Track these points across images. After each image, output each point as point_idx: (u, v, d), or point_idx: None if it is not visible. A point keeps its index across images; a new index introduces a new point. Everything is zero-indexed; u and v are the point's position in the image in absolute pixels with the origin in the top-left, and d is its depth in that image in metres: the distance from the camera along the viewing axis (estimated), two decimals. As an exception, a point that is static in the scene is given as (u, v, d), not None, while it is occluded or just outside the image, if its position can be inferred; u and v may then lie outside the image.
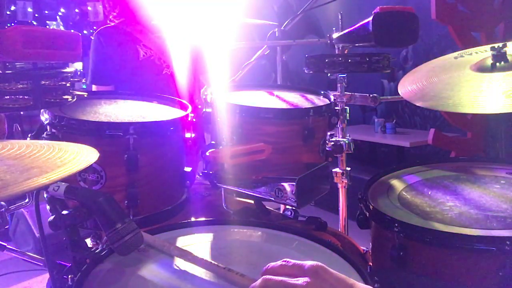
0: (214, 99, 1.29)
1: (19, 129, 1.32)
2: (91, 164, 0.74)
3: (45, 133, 1.11)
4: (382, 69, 1.44)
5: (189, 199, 1.28)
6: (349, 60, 1.45)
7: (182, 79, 2.11)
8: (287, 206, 1.43)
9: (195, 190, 1.48)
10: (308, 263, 0.68)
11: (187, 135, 1.24)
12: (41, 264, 1.18)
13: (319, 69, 1.49)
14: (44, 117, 1.13)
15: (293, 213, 1.39)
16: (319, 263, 0.68)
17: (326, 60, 1.47)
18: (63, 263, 0.90)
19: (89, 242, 1.24)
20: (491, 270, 0.87)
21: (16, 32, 0.95)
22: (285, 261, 0.70)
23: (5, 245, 1.21)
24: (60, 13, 7.09)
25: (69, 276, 0.86)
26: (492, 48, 1.13)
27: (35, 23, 6.63)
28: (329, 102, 1.33)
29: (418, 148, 4.26)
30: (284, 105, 1.33)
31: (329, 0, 2.04)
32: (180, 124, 1.21)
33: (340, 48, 1.60)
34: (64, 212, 0.81)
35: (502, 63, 1.11)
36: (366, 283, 0.78)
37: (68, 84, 1.09)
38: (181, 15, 2.00)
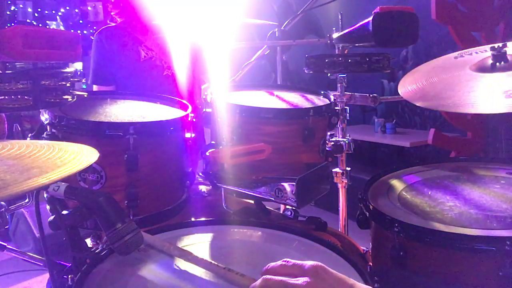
0: (214, 99, 1.29)
1: (19, 129, 1.32)
2: (91, 164, 0.74)
3: (45, 133, 1.11)
4: (382, 69, 1.44)
5: (189, 199, 1.28)
6: (349, 60, 1.44)
7: (183, 80, 2.11)
8: (287, 206, 1.43)
9: (195, 190, 1.48)
10: (308, 263, 0.68)
11: (187, 135, 1.24)
12: (41, 264, 1.18)
13: (319, 69, 1.49)
14: (44, 117, 1.13)
15: (293, 213, 1.39)
16: (319, 263, 0.68)
17: (326, 60, 1.47)
18: (63, 263, 0.90)
19: (89, 242, 1.24)
20: (491, 270, 0.87)
21: (16, 32, 0.95)
22: (285, 261, 0.70)
23: (5, 245, 1.21)
24: (60, 13, 7.09)
25: (69, 276, 0.86)
26: (492, 48, 1.13)
27: (35, 23, 6.63)
28: (329, 102, 1.33)
29: (418, 148, 4.26)
30: (284, 105, 1.33)
31: (329, 0, 2.04)
32: (180, 124, 1.21)
33: (340, 48, 1.60)
34: (64, 212, 0.81)
35: (502, 63, 1.11)
36: (366, 283, 0.78)
37: (68, 84, 1.09)
38: (181, 15, 2.00)
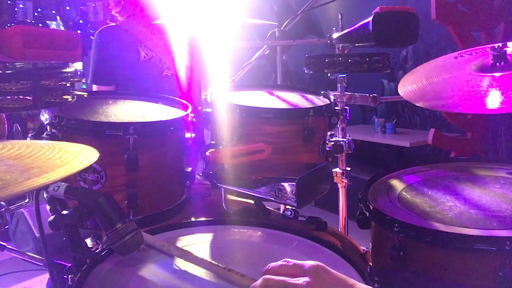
0: (214, 99, 1.29)
1: (19, 129, 1.32)
2: (91, 164, 0.74)
3: (45, 133, 1.11)
4: (382, 69, 1.44)
5: (189, 199, 1.28)
6: (349, 60, 1.45)
7: (183, 80, 2.11)
8: (287, 206, 1.43)
9: (195, 190, 1.48)
10: (309, 263, 0.68)
11: (187, 135, 1.24)
12: (41, 264, 1.18)
13: (319, 69, 1.49)
14: (44, 117, 1.13)
15: (293, 213, 1.39)
16: (320, 263, 0.68)
17: (326, 60, 1.47)
18: (63, 263, 0.90)
19: (89, 242, 1.24)
20: (491, 270, 0.87)
21: (16, 32, 0.95)
22: (285, 261, 0.70)
23: (5, 245, 1.21)
24: (60, 13, 7.09)
25: (69, 276, 0.86)
26: (492, 48, 1.13)
27: (35, 23, 6.63)
28: (329, 102, 1.33)
29: (418, 148, 4.26)
30: (284, 105, 1.33)
31: (329, 0, 2.04)
32: (180, 124, 1.21)
33: (340, 48, 1.60)
34: (64, 212, 0.81)
35: (502, 63, 1.11)
36: (366, 283, 0.78)
37: (68, 84, 1.08)
38: (181, 15, 2.00)
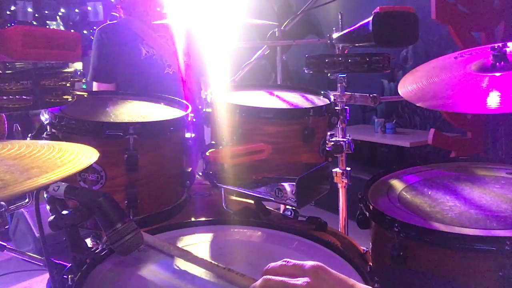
0: (214, 99, 1.29)
1: (19, 129, 1.31)
2: (91, 164, 0.74)
3: (45, 133, 1.11)
4: (382, 69, 1.44)
5: (189, 199, 1.28)
6: (349, 60, 1.45)
7: (184, 78, 2.11)
8: (287, 206, 1.43)
9: (195, 190, 1.48)
10: (309, 263, 0.68)
11: (187, 135, 1.24)
12: (41, 264, 1.18)
13: (319, 69, 1.49)
14: (44, 117, 1.13)
15: (293, 213, 1.39)
16: (320, 263, 0.68)
17: (326, 60, 1.47)
18: (63, 263, 0.90)
19: (89, 242, 1.24)
20: (491, 270, 0.87)
21: (16, 32, 0.95)
22: (285, 261, 0.70)
23: (5, 245, 1.21)
24: (60, 13, 7.09)
25: (69, 276, 0.86)
26: (492, 48, 1.13)
27: (35, 23, 6.63)
28: (329, 102, 1.33)
29: (418, 148, 4.26)
30: (284, 105, 1.33)
31: (329, 0, 2.04)
32: (180, 124, 1.21)
33: (340, 48, 1.60)
34: (64, 212, 0.81)
35: (502, 63, 1.11)
36: (366, 283, 0.78)
37: (68, 84, 1.09)
38: (181, 14, 2.00)
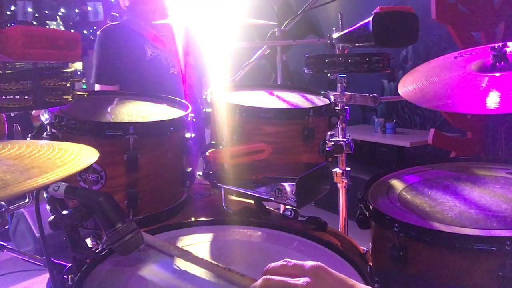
0: (214, 99, 1.29)
1: (19, 129, 1.31)
2: (91, 164, 0.74)
3: (45, 133, 1.11)
4: (382, 69, 1.44)
5: (189, 199, 1.28)
6: (349, 60, 1.45)
7: (188, 78, 2.10)
8: (287, 206, 1.43)
9: (195, 190, 1.48)
10: (309, 263, 0.68)
11: (187, 135, 1.24)
12: (41, 264, 1.18)
13: (319, 69, 1.49)
14: (44, 117, 1.13)
15: (293, 213, 1.39)
16: (320, 263, 0.68)
17: (326, 60, 1.47)
18: (63, 263, 0.90)
19: (89, 242, 1.24)
20: (491, 270, 0.87)
21: (16, 32, 0.95)
22: (285, 261, 0.70)
23: (5, 245, 1.21)
24: (60, 13, 7.09)
25: (69, 276, 0.86)
26: (492, 48, 1.13)
27: (35, 23, 6.63)
28: (329, 102, 1.33)
29: (418, 148, 4.26)
30: (284, 105, 1.33)
31: (329, 0, 2.04)
32: (180, 124, 1.21)
33: (340, 48, 1.60)
34: (64, 212, 0.81)
35: (502, 63, 1.11)
36: (366, 283, 0.78)
37: (68, 84, 1.09)
38: (182, 14, 2.00)
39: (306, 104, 1.33)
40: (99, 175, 1.08)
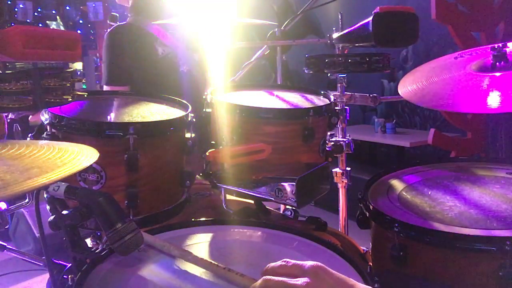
0: (214, 99, 1.29)
1: (19, 129, 1.32)
2: (91, 164, 0.74)
3: (45, 133, 1.11)
4: (382, 69, 1.44)
5: (189, 199, 1.28)
6: (349, 60, 1.45)
7: (198, 76, 2.10)
8: (287, 206, 1.43)
9: (195, 190, 1.48)
10: (308, 263, 0.68)
11: (187, 135, 1.24)
12: (41, 264, 1.18)
13: (319, 69, 1.49)
14: (44, 117, 1.13)
15: (293, 213, 1.39)
16: (319, 264, 0.68)
17: (326, 60, 1.47)
18: (63, 263, 0.90)
19: (89, 242, 1.24)
20: (491, 270, 0.87)
21: (16, 32, 0.95)
22: (285, 261, 0.70)
23: (5, 245, 1.21)
24: (60, 13, 7.09)
25: (69, 276, 0.86)
26: (492, 48, 1.13)
27: (35, 23, 6.63)
28: (329, 102, 1.33)
29: (418, 148, 4.26)
30: (284, 105, 1.33)
31: (329, 0, 2.04)
32: (180, 124, 1.21)
33: (340, 48, 1.60)
34: (64, 212, 0.81)
35: (502, 63, 1.11)
36: (366, 283, 0.78)
37: (68, 84, 1.08)
38: (183, 14, 1.99)
39: (306, 104, 1.33)
40: (99, 175, 1.08)
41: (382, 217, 1.02)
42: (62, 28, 6.88)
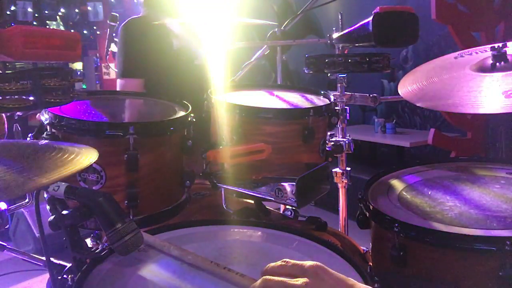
0: (214, 99, 1.29)
1: (19, 129, 1.32)
2: (91, 164, 0.74)
3: (45, 133, 1.11)
4: (382, 69, 1.44)
5: (189, 199, 1.28)
6: (349, 60, 1.45)
7: (211, 69, 2.08)
8: (287, 206, 1.43)
9: (195, 190, 1.48)
10: (308, 263, 0.68)
11: (187, 135, 1.24)
12: (41, 264, 1.18)
13: (319, 69, 1.49)
14: (44, 117, 1.13)
15: (293, 213, 1.40)
16: (319, 264, 0.68)
17: (326, 60, 1.47)
18: (63, 263, 0.90)
19: (89, 242, 1.24)
20: (491, 270, 0.87)
21: (16, 32, 0.95)
22: (285, 261, 0.70)
23: (5, 245, 1.21)
24: (60, 13, 7.10)
25: (69, 276, 0.86)
26: (492, 48, 1.13)
27: (35, 23, 6.63)
28: (329, 102, 1.33)
29: (418, 148, 4.26)
30: (284, 105, 1.33)
31: (329, 0, 2.04)
32: (180, 124, 1.21)
33: (340, 48, 1.60)
34: (64, 212, 0.81)
35: (502, 63, 1.11)
36: (366, 283, 0.78)
37: (68, 84, 1.08)
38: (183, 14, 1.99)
39: (306, 104, 1.33)
40: (99, 175, 1.08)
41: (382, 217, 1.03)
42: (62, 28, 6.88)
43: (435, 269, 0.94)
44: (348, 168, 1.63)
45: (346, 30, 1.54)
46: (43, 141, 0.90)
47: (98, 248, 0.89)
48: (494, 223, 0.96)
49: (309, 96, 1.43)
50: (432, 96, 1.12)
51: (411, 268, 0.96)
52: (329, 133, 1.39)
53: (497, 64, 1.11)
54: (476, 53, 1.24)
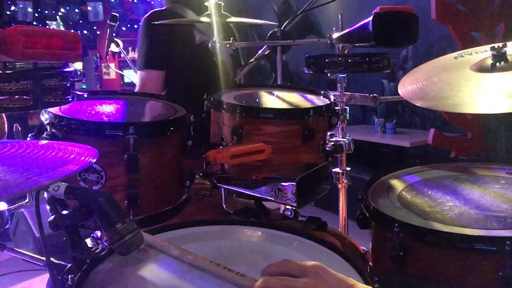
0: (214, 99, 1.29)
1: (19, 129, 1.32)
2: (91, 164, 0.74)
3: (45, 133, 1.11)
4: (382, 69, 1.44)
5: (189, 199, 1.28)
6: (349, 60, 1.45)
7: (230, 65, 2.08)
8: (287, 206, 1.43)
9: (195, 190, 1.48)
10: (308, 263, 0.68)
11: (187, 135, 1.24)
12: (41, 264, 1.18)
13: (319, 69, 1.49)
14: (44, 117, 1.13)
15: (293, 213, 1.39)
16: (319, 264, 0.68)
17: (326, 60, 1.47)
18: (63, 263, 0.90)
19: (89, 242, 1.24)
20: (491, 270, 0.87)
21: (16, 32, 0.95)
22: (285, 261, 0.70)
23: (5, 245, 1.21)
24: (60, 13, 7.10)
25: (69, 276, 0.86)
26: (492, 48, 1.13)
27: (35, 23, 6.63)
28: (329, 102, 1.33)
29: (418, 148, 4.26)
30: (284, 105, 1.33)
31: (329, 0, 2.04)
32: (180, 124, 1.21)
33: (340, 48, 1.60)
34: (64, 212, 0.81)
35: (502, 63, 1.11)
36: (366, 283, 0.78)
37: (68, 84, 1.08)
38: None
39: (306, 104, 1.33)
40: (99, 175, 1.08)
41: (382, 217, 1.02)
42: (62, 28, 6.89)
43: (435, 269, 0.94)
44: (348, 168, 1.63)
45: (346, 30, 1.54)
46: (43, 141, 0.90)
47: (98, 248, 0.89)
48: (494, 223, 0.96)
49: (309, 96, 1.43)
50: (432, 96, 1.11)
51: (411, 268, 0.96)
52: (329, 133, 1.39)
53: (497, 64, 1.11)
54: (476, 53, 1.24)
